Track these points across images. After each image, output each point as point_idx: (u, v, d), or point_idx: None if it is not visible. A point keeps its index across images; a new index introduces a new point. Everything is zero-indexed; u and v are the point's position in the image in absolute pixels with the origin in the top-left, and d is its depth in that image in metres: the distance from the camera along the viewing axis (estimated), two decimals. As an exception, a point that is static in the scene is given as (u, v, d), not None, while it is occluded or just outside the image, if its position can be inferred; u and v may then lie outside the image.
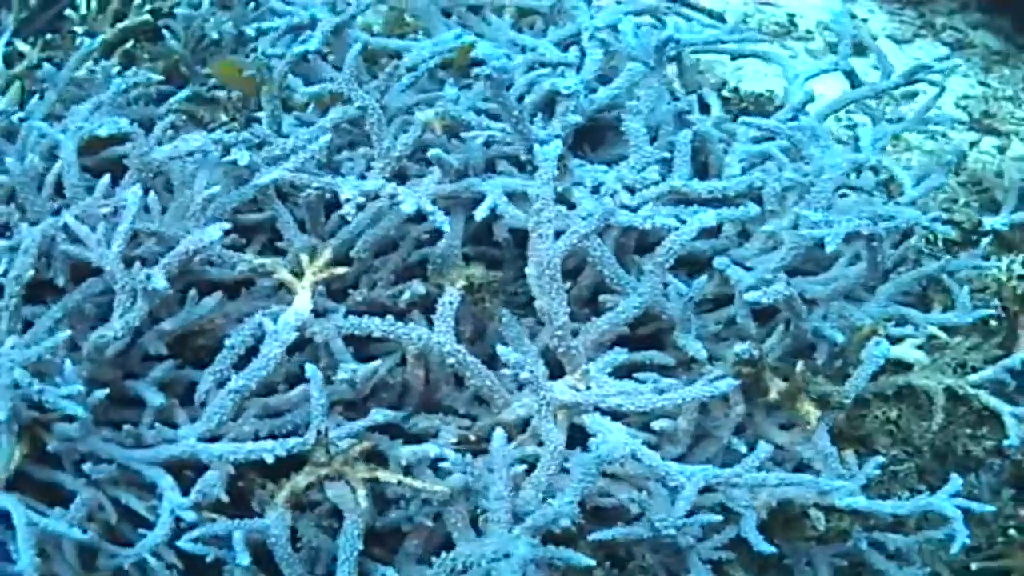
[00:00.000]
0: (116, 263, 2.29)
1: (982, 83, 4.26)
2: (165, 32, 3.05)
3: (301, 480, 2.17)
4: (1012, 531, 2.86)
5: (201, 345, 2.47)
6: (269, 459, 2.20)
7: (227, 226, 2.35)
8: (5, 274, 2.31)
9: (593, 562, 2.24)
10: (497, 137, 2.69)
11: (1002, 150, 3.84)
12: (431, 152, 2.55)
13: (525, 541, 2.15)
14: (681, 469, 2.23)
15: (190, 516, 2.17)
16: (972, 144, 3.89)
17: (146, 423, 2.32)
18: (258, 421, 2.32)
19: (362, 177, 2.60)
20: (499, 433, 2.25)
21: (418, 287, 2.51)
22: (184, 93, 2.83)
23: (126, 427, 2.27)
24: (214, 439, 2.28)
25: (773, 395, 2.45)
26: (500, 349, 2.32)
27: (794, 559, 2.50)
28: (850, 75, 3.13)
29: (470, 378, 2.41)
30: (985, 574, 2.82)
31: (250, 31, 3.04)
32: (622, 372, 2.49)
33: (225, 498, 2.22)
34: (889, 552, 2.59)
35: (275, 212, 2.58)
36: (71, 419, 2.23)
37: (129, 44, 3.02)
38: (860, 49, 4.47)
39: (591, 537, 2.24)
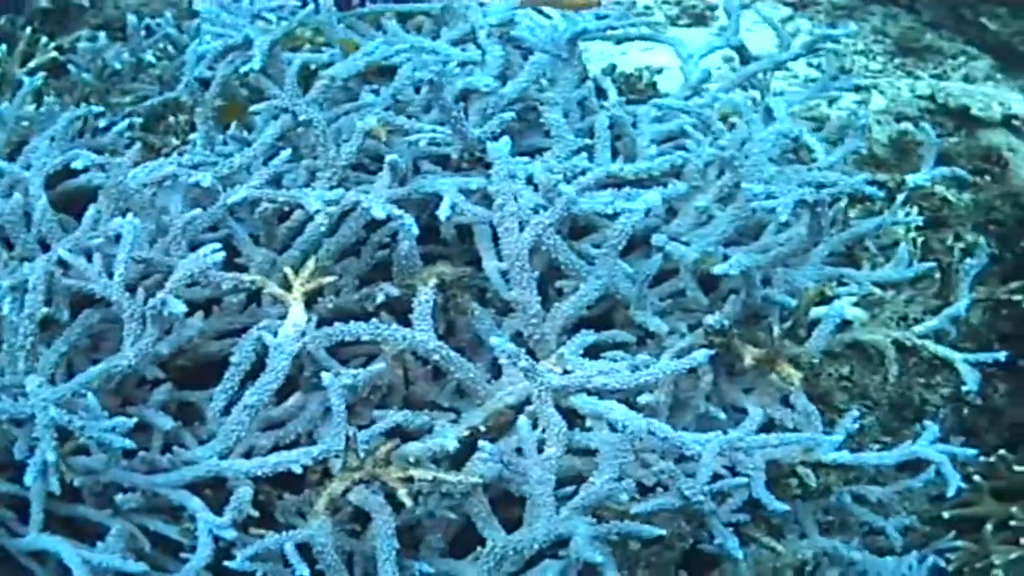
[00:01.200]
0: (122, 292, 2.33)
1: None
2: (71, 67, 3.10)
3: (337, 487, 2.22)
4: (976, 477, 2.99)
5: (181, 365, 2.52)
6: (298, 469, 2.28)
7: (218, 247, 2.41)
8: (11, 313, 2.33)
9: (664, 531, 2.35)
10: (439, 139, 2.78)
11: (863, 104, 4.03)
12: (388, 157, 2.63)
13: (582, 520, 2.25)
14: (695, 438, 2.33)
15: (230, 535, 2.23)
16: (831, 101, 4.09)
17: (156, 447, 2.37)
18: (262, 434, 2.39)
19: (306, 187, 2.68)
20: (523, 420, 2.33)
21: (391, 289, 2.59)
22: (124, 123, 2.87)
23: (141, 453, 2.32)
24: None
25: (748, 361, 2.56)
26: (494, 340, 2.40)
27: (781, 518, 2.61)
28: (740, 50, 3.28)
29: (453, 372, 2.50)
30: (959, 521, 2.99)
31: (149, 58, 3.11)
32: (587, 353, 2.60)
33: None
34: (871, 504, 2.71)
35: (230, 230, 2.64)
36: (87, 452, 2.28)
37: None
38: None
39: (634, 510, 2.32)
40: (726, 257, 2.67)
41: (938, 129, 4.04)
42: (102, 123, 2.90)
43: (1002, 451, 2.84)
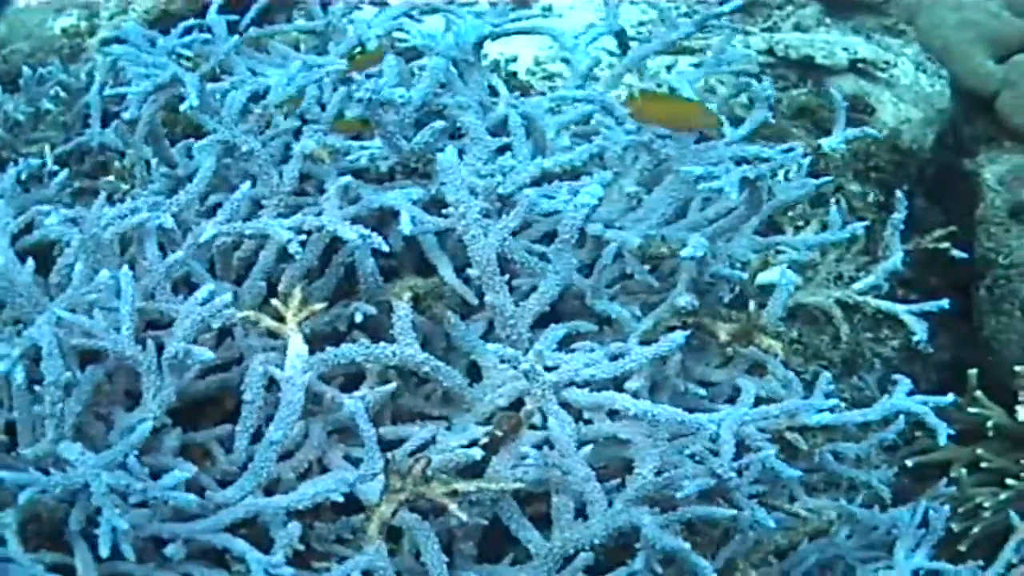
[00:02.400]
0: (133, 346, 2.36)
1: (652, 5, 4.56)
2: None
3: (386, 510, 2.28)
4: (928, 424, 3.16)
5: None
6: (338, 498, 2.33)
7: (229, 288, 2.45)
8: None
9: (734, 512, 2.46)
10: (376, 154, 2.83)
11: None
12: (343, 180, 2.69)
13: (643, 511, 2.34)
14: (708, 418, 2.42)
15: (288, 572, 2.26)
16: (669, 67, 4.21)
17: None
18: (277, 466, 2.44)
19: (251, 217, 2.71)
20: (554, 421, 2.41)
21: (366, 307, 2.65)
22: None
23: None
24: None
25: (723, 337, 2.69)
26: (491, 347, 2.48)
27: (767, 484, 2.68)
28: (620, 35, 3.39)
29: (442, 381, 2.59)
30: (924, 468, 3.14)
31: (48, 105, 3.12)
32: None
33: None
34: (851, 460, 2.85)
35: (188, 267, 2.67)
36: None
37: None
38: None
39: (680, 495, 2.39)
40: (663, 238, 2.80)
41: (782, 82, 4.22)
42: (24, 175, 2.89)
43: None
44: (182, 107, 2.75)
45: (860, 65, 4.49)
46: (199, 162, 2.82)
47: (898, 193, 3.08)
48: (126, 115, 2.88)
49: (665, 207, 2.88)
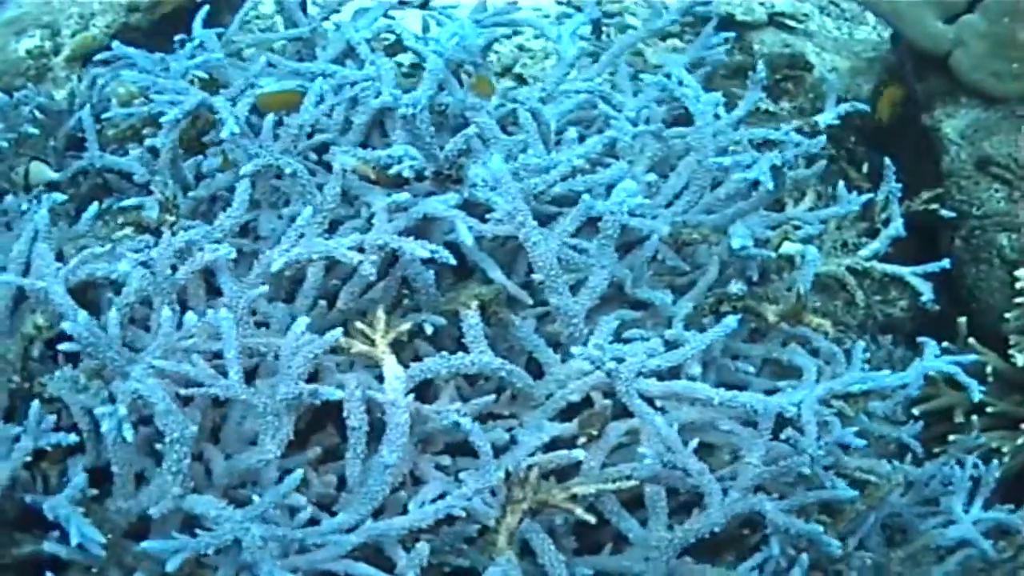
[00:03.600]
0: (246, 390, 2.40)
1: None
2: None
3: (512, 520, 2.37)
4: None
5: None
6: (460, 513, 2.40)
7: (306, 321, 2.49)
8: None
9: (855, 492, 2.59)
10: (418, 166, 2.88)
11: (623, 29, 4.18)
12: (395, 196, 2.75)
13: (763, 498, 2.48)
14: (790, 400, 2.55)
15: (422, 592, 2.33)
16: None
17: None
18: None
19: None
20: (659, 419, 2.52)
21: (436, 319, 2.72)
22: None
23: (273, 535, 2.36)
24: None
25: (772, 318, 2.82)
26: (577, 350, 2.60)
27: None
28: (596, 23, 3.48)
29: (515, 383, 2.68)
30: (929, 416, 3.29)
31: (30, 129, 3.16)
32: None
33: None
34: (881, 419, 2.99)
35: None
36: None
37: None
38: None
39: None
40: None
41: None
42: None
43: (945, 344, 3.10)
44: (222, 134, 2.78)
45: (779, 18, 4.58)
46: (217, 182, 2.93)
47: (887, 160, 3.23)
48: (154, 141, 2.90)
49: (691, 195, 2.99)
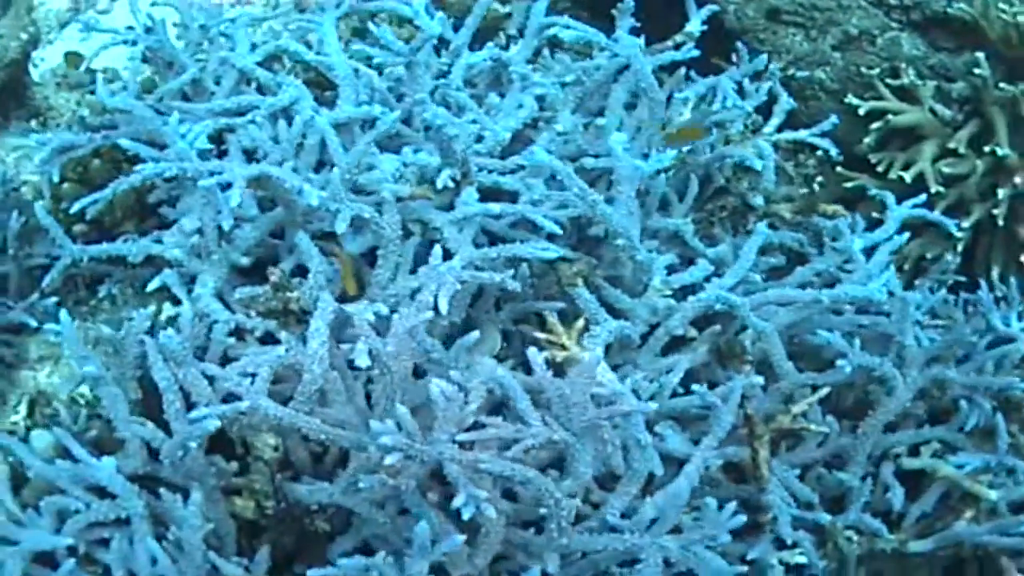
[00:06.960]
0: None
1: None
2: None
3: (765, 452, 2.82)
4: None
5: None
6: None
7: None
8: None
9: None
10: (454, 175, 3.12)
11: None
12: (456, 212, 3.02)
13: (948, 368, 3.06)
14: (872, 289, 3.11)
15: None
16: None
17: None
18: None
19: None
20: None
21: (557, 304, 3.00)
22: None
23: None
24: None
25: (789, 216, 3.40)
26: (661, 302, 3.10)
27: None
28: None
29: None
30: None
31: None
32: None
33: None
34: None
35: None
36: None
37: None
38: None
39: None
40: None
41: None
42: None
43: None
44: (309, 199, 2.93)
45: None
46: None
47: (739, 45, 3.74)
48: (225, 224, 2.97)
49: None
